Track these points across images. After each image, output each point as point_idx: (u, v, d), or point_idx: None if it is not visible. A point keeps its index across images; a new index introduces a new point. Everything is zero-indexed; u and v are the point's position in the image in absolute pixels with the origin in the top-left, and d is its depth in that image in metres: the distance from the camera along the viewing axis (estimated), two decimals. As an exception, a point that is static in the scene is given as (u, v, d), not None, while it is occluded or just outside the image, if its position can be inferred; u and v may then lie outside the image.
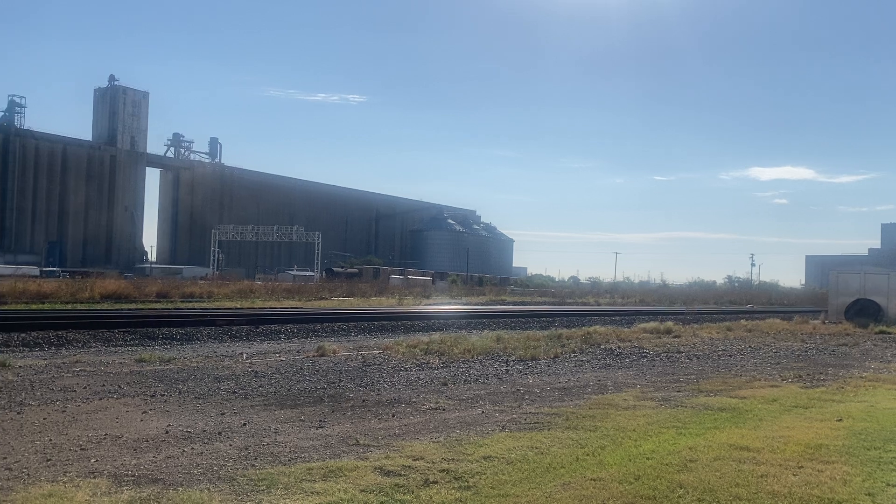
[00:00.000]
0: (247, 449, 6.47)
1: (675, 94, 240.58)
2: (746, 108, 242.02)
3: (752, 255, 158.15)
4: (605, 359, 14.90)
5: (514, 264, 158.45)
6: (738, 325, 24.96)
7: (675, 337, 20.07)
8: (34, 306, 28.49)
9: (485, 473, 5.79)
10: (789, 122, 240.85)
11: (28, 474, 5.49)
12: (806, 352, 17.60)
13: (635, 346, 17.24)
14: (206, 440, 6.79)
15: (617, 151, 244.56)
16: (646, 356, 15.59)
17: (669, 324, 23.02)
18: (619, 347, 16.93)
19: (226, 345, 16.91)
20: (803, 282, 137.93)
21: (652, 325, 22.68)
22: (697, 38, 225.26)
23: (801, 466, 6.21)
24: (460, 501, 5.10)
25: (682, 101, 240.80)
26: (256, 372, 11.50)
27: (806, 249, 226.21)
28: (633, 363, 14.41)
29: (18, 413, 7.79)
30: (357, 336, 20.29)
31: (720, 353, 16.84)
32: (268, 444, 6.71)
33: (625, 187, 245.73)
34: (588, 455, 6.47)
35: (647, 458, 6.37)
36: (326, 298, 44.98)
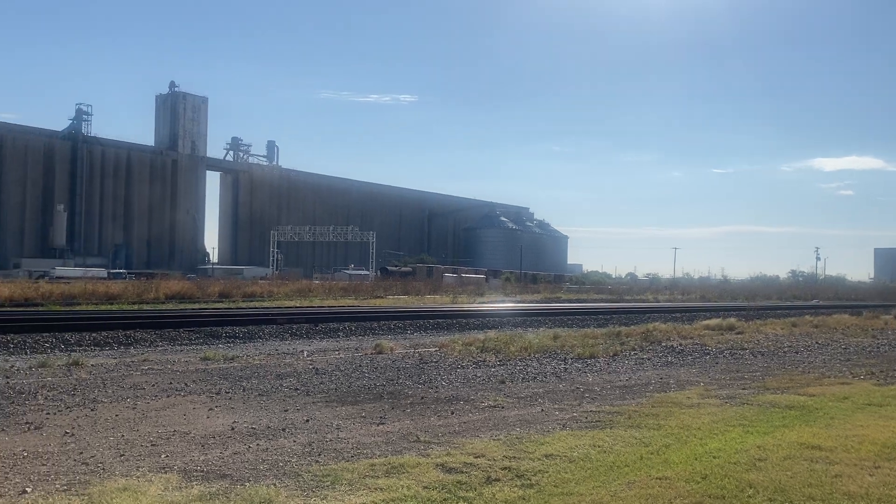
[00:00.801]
0: (310, 445, 6.57)
1: (731, 85, 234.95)
2: (808, 97, 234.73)
3: (817, 248, 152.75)
4: (666, 356, 14.64)
5: (569, 261, 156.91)
6: (804, 321, 24.21)
7: (738, 333, 19.58)
8: (103, 307, 29.52)
9: (547, 472, 5.74)
10: (854, 110, 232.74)
11: (103, 469, 5.69)
12: (878, 348, 16.96)
13: (697, 344, 16.89)
14: (270, 436, 6.92)
15: (673, 144, 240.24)
16: (708, 353, 15.26)
17: (732, 320, 22.51)
18: (680, 345, 16.61)
19: (287, 343, 17.21)
20: (872, 275, 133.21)
21: (714, 321, 22.21)
22: (752, 27, 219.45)
23: (878, 466, 5.99)
24: (523, 499, 5.07)
25: (740, 92, 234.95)
26: (317, 369, 11.67)
27: (874, 242, 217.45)
28: (696, 361, 14.12)
29: (92, 410, 8.07)
30: (413, 334, 20.41)
31: (786, 349, 16.36)
32: (330, 440, 6.80)
33: (682, 181, 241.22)
34: (652, 454, 6.36)
35: (714, 457, 6.23)
36: (382, 297, 45.37)
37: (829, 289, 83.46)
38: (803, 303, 51.04)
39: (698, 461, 6.10)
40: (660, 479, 5.54)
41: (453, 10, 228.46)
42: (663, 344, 16.66)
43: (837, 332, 21.14)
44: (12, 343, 15.09)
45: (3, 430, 7.00)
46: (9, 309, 27.10)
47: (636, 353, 14.91)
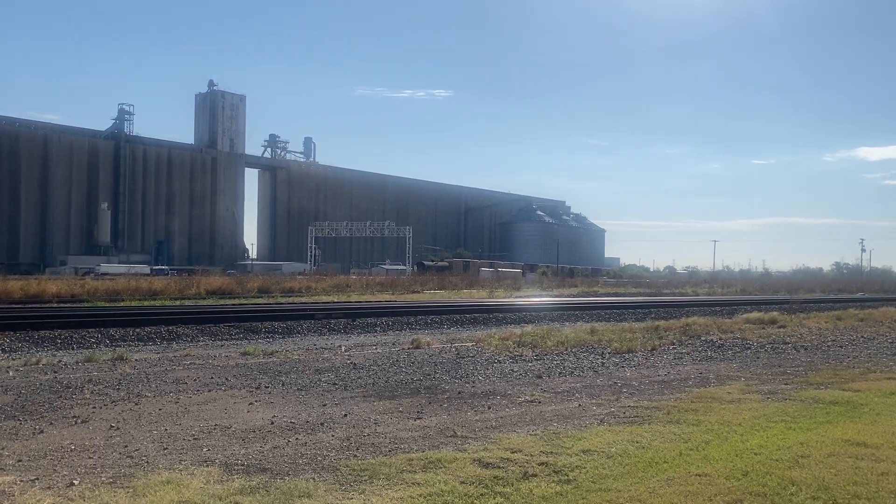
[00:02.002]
0: (348, 439, 6.63)
1: (771, 73, 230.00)
2: (852, 85, 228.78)
3: (862, 240, 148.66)
4: (705, 351, 14.44)
5: (607, 255, 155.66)
6: (849, 314, 23.66)
7: (781, 327, 19.22)
8: (146, 303, 30.15)
9: (584, 467, 5.72)
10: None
11: (147, 462, 5.82)
12: (926, 342, 16.49)
13: (738, 338, 16.62)
14: (309, 431, 7.01)
15: (711, 135, 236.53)
16: (749, 348, 15.01)
17: (774, 314, 22.09)
18: (720, 339, 16.37)
19: (325, 338, 17.37)
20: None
21: (755, 315, 21.82)
22: (793, 14, 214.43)
23: (927, 464, 5.83)
24: (561, 495, 5.05)
25: (780, 81, 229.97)
26: (355, 364, 11.77)
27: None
28: (736, 355, 13.90)
29: (136, 404, 8.25)
30: (450, 328, 20.44)
31: (830, 343, 16.02)
32: (368, 434, 6.86)
33: (721, 173, 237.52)
34: (692, 450, 6.29)
35: (755, 454, 6.13)
36: (418, 292, 45.51)
37: (875, 281, 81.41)
38: (848, 296, 49.89)
39: (739, 458, 6.02)
40: (699, 475, 5.48)
41: (487, 3, 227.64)
42: (703, 338, 16.44)
43: (884, 325, 20.63)
44: (59, 338, 15.51)
45: (51, 423, 7.20)
46: (56, 305, 27.85)
47: (675, 348, 14.73)
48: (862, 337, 17.44)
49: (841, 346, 15.49)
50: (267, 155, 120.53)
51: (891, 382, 10.49)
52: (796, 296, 43.56)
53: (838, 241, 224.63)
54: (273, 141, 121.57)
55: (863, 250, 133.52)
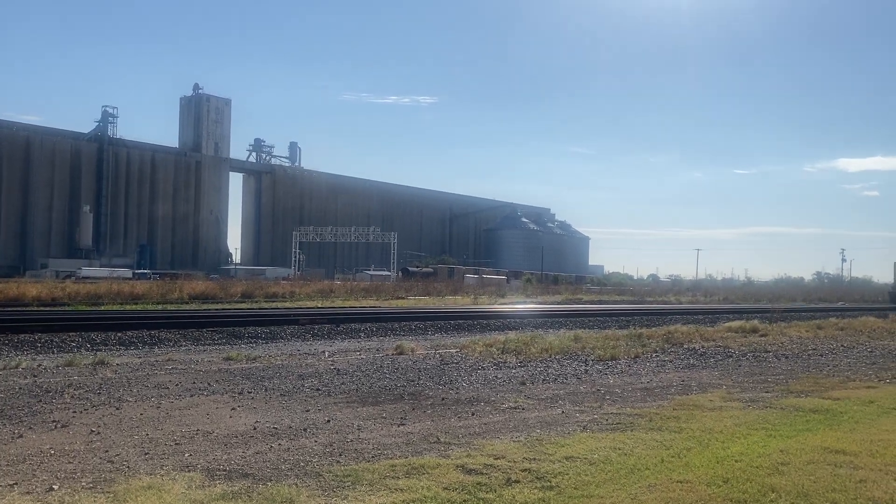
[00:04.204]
0: (331, 445, 6.62)
1: (753, 84, 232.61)
2: (832, 97, 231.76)
3: (843, 250, 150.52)
4: (688, 359, 14.53)
5: (591, 262, 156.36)
6: (829, 324, 23.89)
7: (762, 336, 19.38)
8: (128, 307, 29.89)
9: (567, 474, 5.74)
10: (879, 109, 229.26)
11: (128, 467, 5.77)
12: (905, 351, 16.68)
13: (720, 346, 16.74)
14: (292, 436, 6.98)
15: (693, 145, 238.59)
16: (731, 356, 15.12)
17: (755, 322, 22.25)
18: (702, 347, 16.47)
19: (308, 343, 17.31)
20: (892, 280, 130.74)
21: (737, 323, 21.99)
22: (776, 26, 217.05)
23: (904, 472, 5.90)
24: (543, 501, 5.07)
25: (762, 92, 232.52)
26: (338, 370, 11.74)
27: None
28: (718, 363, 14.00)
29: (117, 409, 8.18)
30: (434, 335, 20.43)
31: (810, 352, 16.17)
32: (351, 440, 6.85)
33: (704, 182, 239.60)
34: (673, 457, 6.33)
35: (736, 461, 6.19)
36: (403, 298, 45.46)
37: (856, 291, 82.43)
38: (829, 305, 50.39)
39: (720, 465, 6.06)
40: (681, 482, 5.52)
41: (472, 11, 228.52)
42: (685, 346, 16.54)
43: (863, 334, 20.86)
44: (40, 342, 15.35)
45: (30, 428, 7.13)
46: (36, 308, 27.55)
47: (658, 356, 14.81)
48: (842, 346, 17.63)
49: (821, 355, 15.65)
50: (252, 159, 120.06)
51: (869, 391, 10.61)
52: (778, 305, 43.98)
53: (819, 250, 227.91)
54: (258, 145, 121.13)
55: (843, 260, 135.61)
